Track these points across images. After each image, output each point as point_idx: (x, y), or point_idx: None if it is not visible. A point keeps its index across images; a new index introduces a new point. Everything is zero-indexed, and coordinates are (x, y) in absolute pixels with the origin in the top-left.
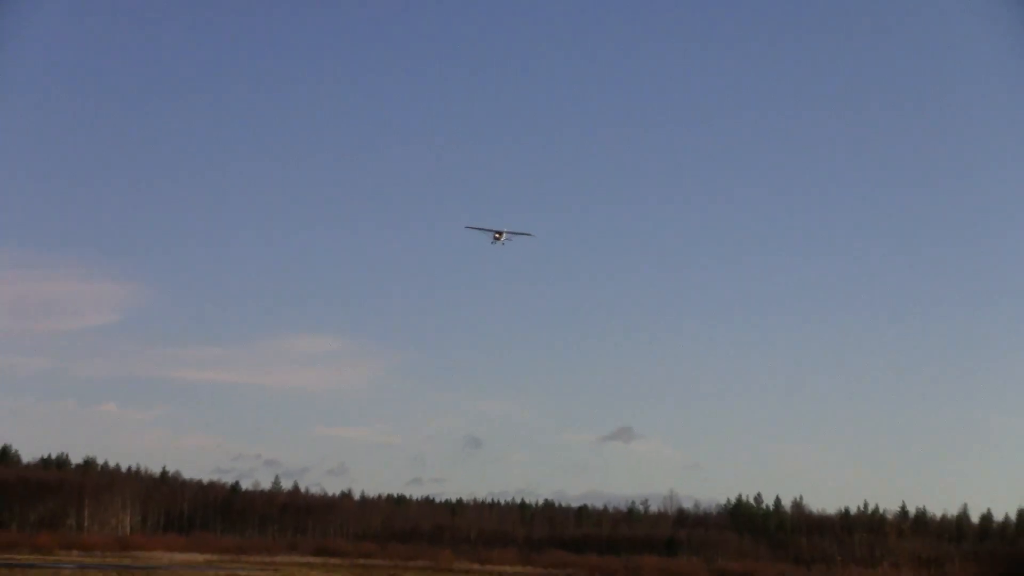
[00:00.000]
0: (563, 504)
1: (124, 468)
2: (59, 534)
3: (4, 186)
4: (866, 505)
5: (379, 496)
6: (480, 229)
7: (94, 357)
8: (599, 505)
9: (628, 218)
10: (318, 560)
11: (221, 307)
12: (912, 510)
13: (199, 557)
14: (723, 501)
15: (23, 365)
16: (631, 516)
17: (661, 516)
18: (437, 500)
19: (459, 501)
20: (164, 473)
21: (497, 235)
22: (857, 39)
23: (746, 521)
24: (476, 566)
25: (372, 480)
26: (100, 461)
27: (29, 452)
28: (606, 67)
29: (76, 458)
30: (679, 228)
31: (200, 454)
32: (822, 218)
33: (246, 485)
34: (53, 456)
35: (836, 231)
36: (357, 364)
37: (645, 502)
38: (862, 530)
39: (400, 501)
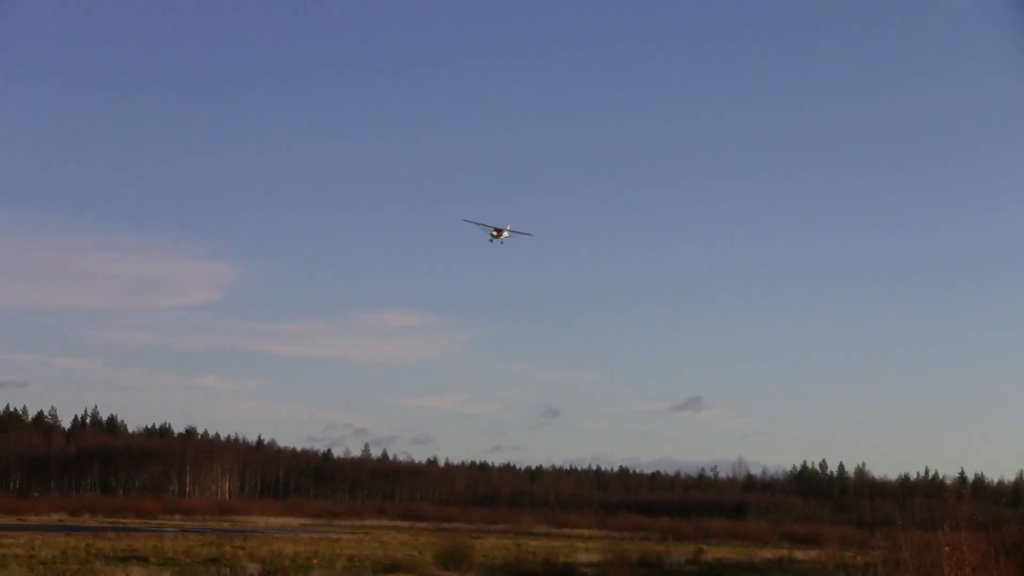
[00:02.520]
0: (636, 470)
1: (223, 437)
2: (162, 499)
3: (117, 172)
4: (926, 471)
5: (462, 463)
6: (478, 224)
7: (195, 332)
8: (671, 471)
9: (692, 189)
10: (405, 524)
11: (314, 285)
12: (970, 475)
13: (293, 521)
14: (789, 467)
15: (129, 340)
16: (701, 482)
17: (730, 482)
18: (517, 467)
19: (538, 467)
20: (260, 441)
21: (496, 232)
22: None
23: (811, 486)
24: (554, 529)
25: (455, 448)
26: (200, 430)
27: (134, 422)
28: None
29: (178, 427)
30: (742, 199)
31: (294, 423)
32: (876, 188)
33: (337, 453)
34: (156, 426)
35: (891, 202)
36: (441, 338)
37: (715, 468)
38: (922, 495)
39: (482, 468)
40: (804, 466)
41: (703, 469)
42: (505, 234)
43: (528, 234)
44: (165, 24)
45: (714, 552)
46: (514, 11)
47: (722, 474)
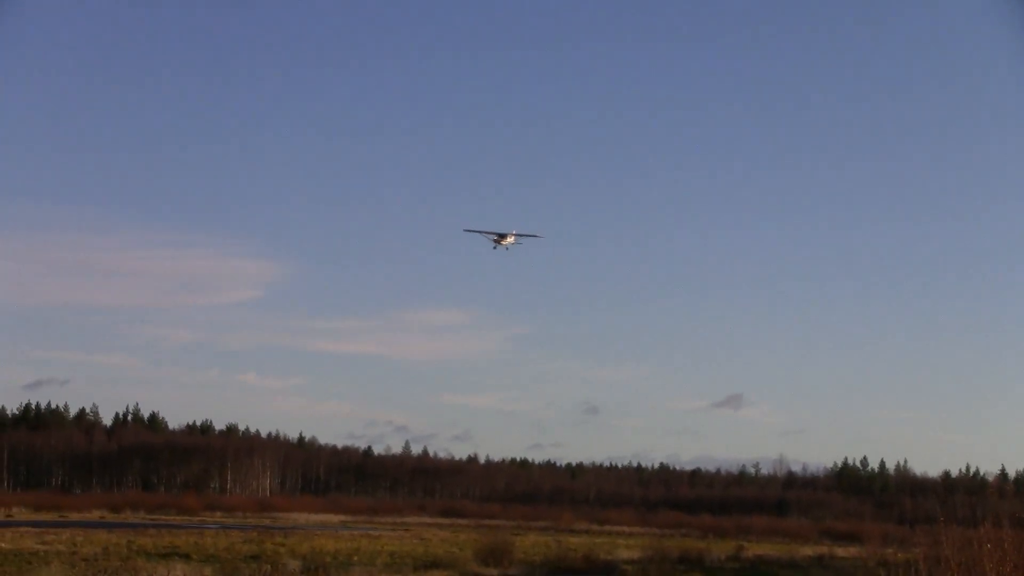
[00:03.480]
0: (677, 467)
1: (264, 434)
2: (203, 496)
3: (160, 170)
4: (968, 467)
5: (502, 460)
6: (479, 232)
7: (236, 330)
8: (711, 468)
9: (731, 182)
10: (446, 521)
11: (356, 283)
12: (1012, 472)
13: (334, 518)
14: (830, 464)
15: (171, 337)
16: (742, 479)
17: (771, 479)
18: (557, 464)
19: (578, 465)
20: (301, 438)
21: (498, 239)
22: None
23: (852, 483)
24: (595, 526)
25: (496, 445)
26: (241, 427)
27: (175, 419)
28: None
29: (219, 424)
30: (783, 193)
31: (335, 421)
32: (916, 182)
33: (378, 450)
34: (198, 423)
35: (932, 196)
36: (482, 335)
37: (755, 465)
38: (963, 492)
39: (522, 465)
40: (845, 463)
41: (744, 466)
42: (510, 240)
43: (535, 236)
44: (207, 16)
45: (755, 549)
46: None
47: (763, 471)
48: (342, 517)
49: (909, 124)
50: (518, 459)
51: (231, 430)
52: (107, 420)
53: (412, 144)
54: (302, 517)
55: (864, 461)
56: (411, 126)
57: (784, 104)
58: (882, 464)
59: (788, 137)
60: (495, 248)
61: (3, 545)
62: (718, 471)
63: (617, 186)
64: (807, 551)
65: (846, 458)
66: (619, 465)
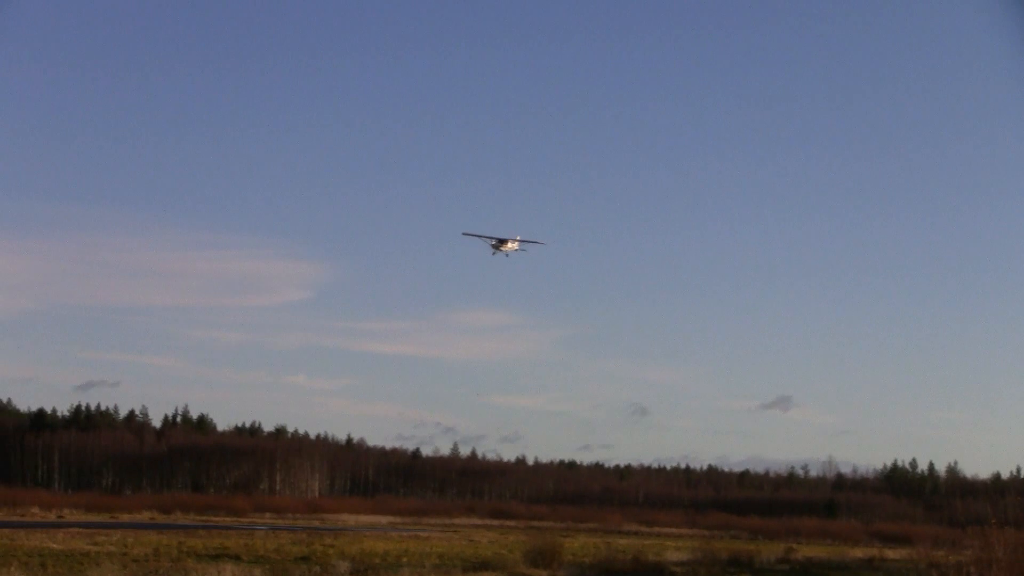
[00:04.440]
0: (726, 469)
1: (313, 435)
2: (253, 497)
3: (209, 171)
4: (1019, 469)
5: (551, 461)
6: (478, 236)
7: (286, 331)
8: (760, 470)
9: (777, 185)
10: (494, 522)
11: (403, 285)
12: None
13: (383, 519)
14: (879, 466)
15: (221, 339)
16: (791, 480)
17: (820, 480)
18: (606, 465)
19: (627, 466)
20: (350, 440)
21: (498, 244)
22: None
23: (902, 485)
24: (643, 527)
25: (544, 446)
26: (290, 429)
27: (224, 420)
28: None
29: (268, 426)
30: (828, 193)
31: (383, 422)
32: (967, 179)
33: (426, 451)
34: (246, 424)
35: (980, 195)
36: (530, 337)
37: (805, 467)
38: (1014, 493)
39: (571, 466)
40: (895, 464)
41: (793, 467)
42: (511, 245)
43: (538, 243)
44: (259, 20)
45: (804, 551)
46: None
47: (812, 473)
48: (390, 518)
49: (952, 116)
50: (566, 460)
51: (280, 431)
52: (157, 421)
53: (461, 147)
54: (351, 518)
55: (914, 463)
56: (462, 129)
57: (827, 97)
58: (932, 466)
59: (845, 131)
60: (494, 254)
61: (54, 546)
62: (767, 472)
63: (662, 184)
64: (857, 553)
65: (896, 459)
66: (668, 466)
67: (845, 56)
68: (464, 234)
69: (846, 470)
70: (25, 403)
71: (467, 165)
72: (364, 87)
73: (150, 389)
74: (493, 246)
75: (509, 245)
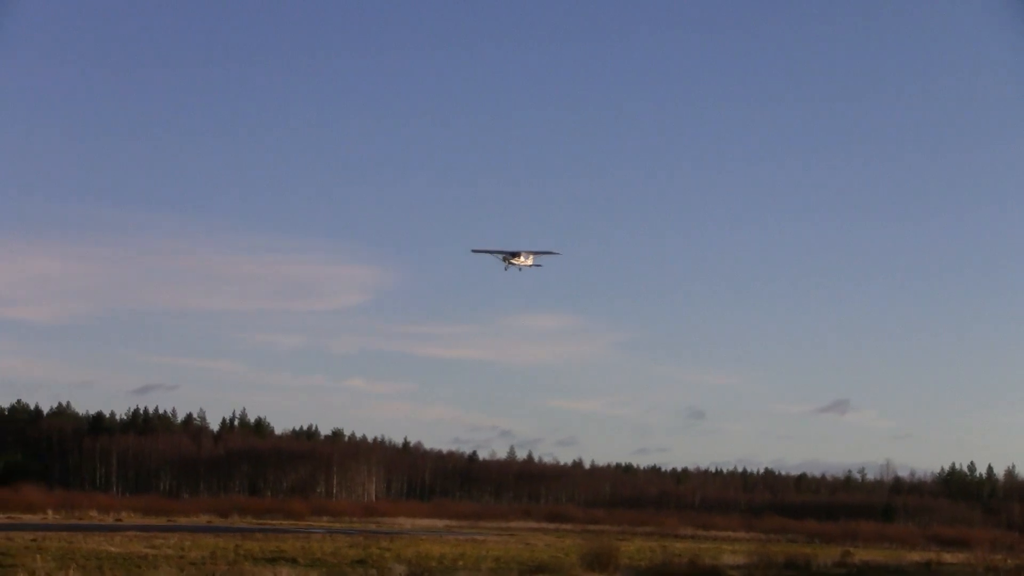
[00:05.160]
0: (783, 472)
1: (370, 439)
2: (310, 501)
3: (266, 177)
4: None
5: (607, 465)
6: (488, 252)
7: (344, 335)
8: (817, 473)
9: (834, 188)
10: (550, 525)
11: (462, 289)
12: None
13: (439, 523)
14: (937, 469)
15: (279, 343)
16: (848, 484)
17: (877, 484)
18: (662, 469)
19: (683, 469)
20: (406, 443)
21: (510, 259)
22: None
23: (960, 488)
24: (700, 531)
25: (600, 450)
26: (347, 432)
27: (282, 424)
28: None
29: (325, 429)
30: (887, 194)
31: (440, 426)
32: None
33: (483, 455)
34: (304, 428)
35: None
36: (587, 341)
37: (862, 470)
38: None
39: (627, 469)
40: (953, 468)
41: (850, 471)
42: (524, 260)
43: (552, 253)
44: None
45: (861, 555)
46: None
47: (869, 476)
48: (447, 522)
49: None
50: (623, 464)
51: (337, 435)
52: (214, 425)
53: (521, 150)
54: (407, 522)
55: (972, 466)
56: (522, 132)
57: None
58: (990, 469)
59: (906, 128)
60: (506, 268)
61: (112, 549)
62: (824, 476)
63: (720, 186)
64: (914, 557)
65: (953, 463)
66: (724, 470)
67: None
68: (473, 251)
69: (903, 474)
70: (84, 406)
71: (528, 168)
72: (421, 90)
73: (208, 393)
74: (505, 260)
75: (521, 259)
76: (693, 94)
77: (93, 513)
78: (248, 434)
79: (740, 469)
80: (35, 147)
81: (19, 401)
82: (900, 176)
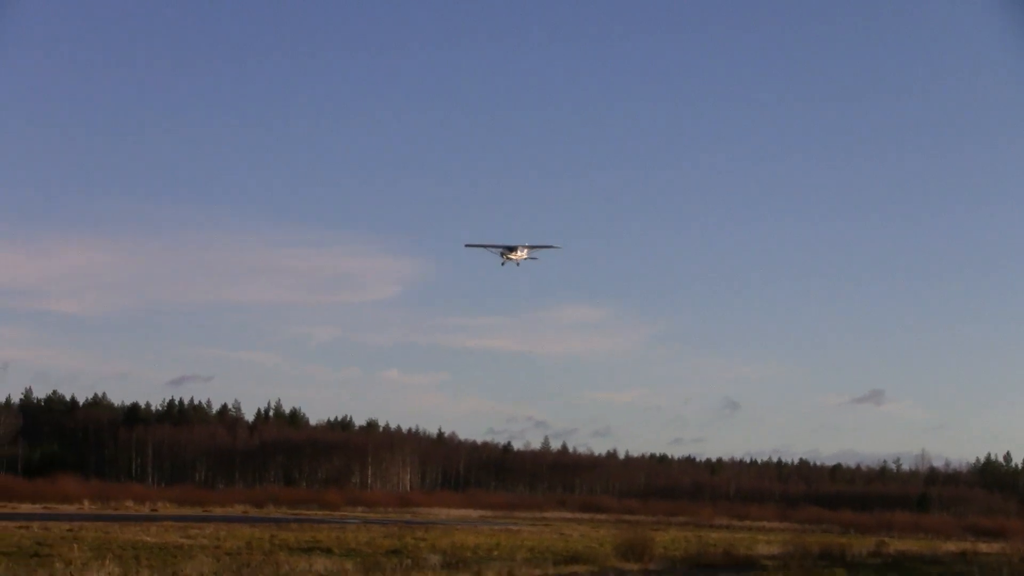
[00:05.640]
0: (817, 463)
1: (404, 430)
2: (345, 491)
3: (299, 170)
4: None
5: (642, 455)
6: (483, 247)
7: (378, 327)
8: (852, 464)
9: (865, 180)
10: (585, 515)
11: (496, 280)
12: None
13: (474, 513)
14: (973, 460)
15: (314, 335)
16: (883, 474)
17: (912, 474)
18: (697, 459)
19: (718, 460)
20: (441, 434)
21: (507, 253)
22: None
23: (995, 479)
24: (735, 521)
25: (635, 440)
26: (382, 423)
27: (316, 415)
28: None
29: (359, 420)
30: (916, 188)
31: (475, 417)
32: None
33: (517, 445)
34: (338, 418)
35: None
36: (623, 331)
37: (897, 461)
38: None
39: (662, 460)
40: (988, 458)
41: (885, 461)
42: (521, 254)
43: (551, 247)
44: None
45: (896, 545)
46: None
47: (904, 467)
48: (482, 512)
49: None
50: (657, 454)
51: (372, 426)
52: (249, 416)
53: (550, 143)
54: (442, 512)
55: (1008, 456)
56: (555, 123)
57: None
58: None
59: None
60: (503, 263)
61: (148, 539)
62: (859, 467)
63: (752, 177)
64: (950, 547)
65: (989, 453)
66: (759, 460)
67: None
68: (467, 246)
69: (939, 464)
70: (119, 398)
71: (562, 160)
72: (457, 80)
73: (243, 384)
74: (502, 255)
75: (518, 253)
76: (716, 82)
77: (129, 503)
78: (283, 425)
79: (775, 459)
80: (70, 141)
81: (55, 392)
82: (938, 165)
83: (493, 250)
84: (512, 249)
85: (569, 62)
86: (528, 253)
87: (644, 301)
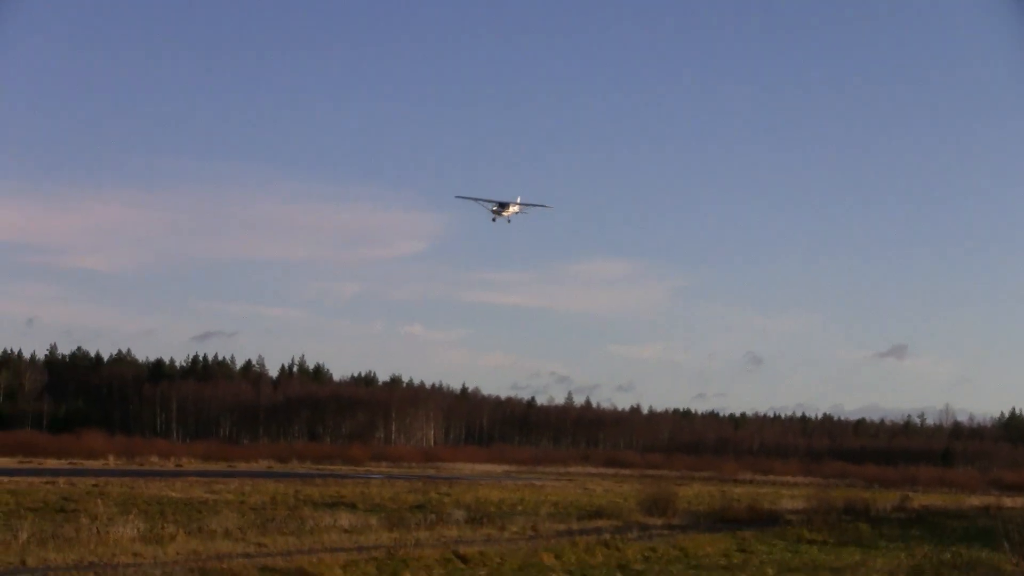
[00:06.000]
0: (841, 417)
1: (428, 385)
2: (369, 446)
3: (324, 125)
4: None
5: (666, 410)
6: (475, 200)
7: (402, 283)
8: (876, 418)
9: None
10: (609, 470)
11: (519, 236)
12: None
13: (498, 468)
14: (997, 414)
15: (338, 290)
16: (907, 429)
17: (936, 429)
18: (720, 414)
19: (742, 415)
20: (465, 389)
21: (499, 209)
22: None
23: (1019, 433)
24: (759, 476)
25: (658, 395)
26: (406, 379)
27: (340, 370)
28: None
29: (383, 376)
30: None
31: (498, 372)
32: None
33: (541, 400)
34: (362, 374)
35: None
36: (645, 287)
37: (921, 415)
38: None
39: (686, 415)
40: (1013, 412)
41: (909, 416)
42: (513, 209)
43: (543, 206)
44: None
45: (920, 499)
46: None
47: (928, 421)
48: (506, 467)
49: None
50: (681, 409)
51: (395, 381)
52: (273, 372)
53: (574, 98)
54: (466, 467)
55: None
56: (583, 78)
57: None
58: None
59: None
60: (495, 220)
61: (173, 495)
62: (883, 421)
63: (773, 133)
64: (974, 501)
65: (1013, 408)
66: (783, 415)
67: None
68: (457, 197)
69: (963, 418)
70: (144, 354)
71: (582, 114)
72: (483, 37)
73: (267, 340)
74: (493, 211)
75: (511, 209)
76: (748, 25)
77: (154, 459)
78: (307, 381)
79: (799, 414)
80: (94, 98)
81: (80, 348)
82: (967, 123)
83: (485, 204)
84: (504, 205)
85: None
86: (521, 209)
87: (667, 255)
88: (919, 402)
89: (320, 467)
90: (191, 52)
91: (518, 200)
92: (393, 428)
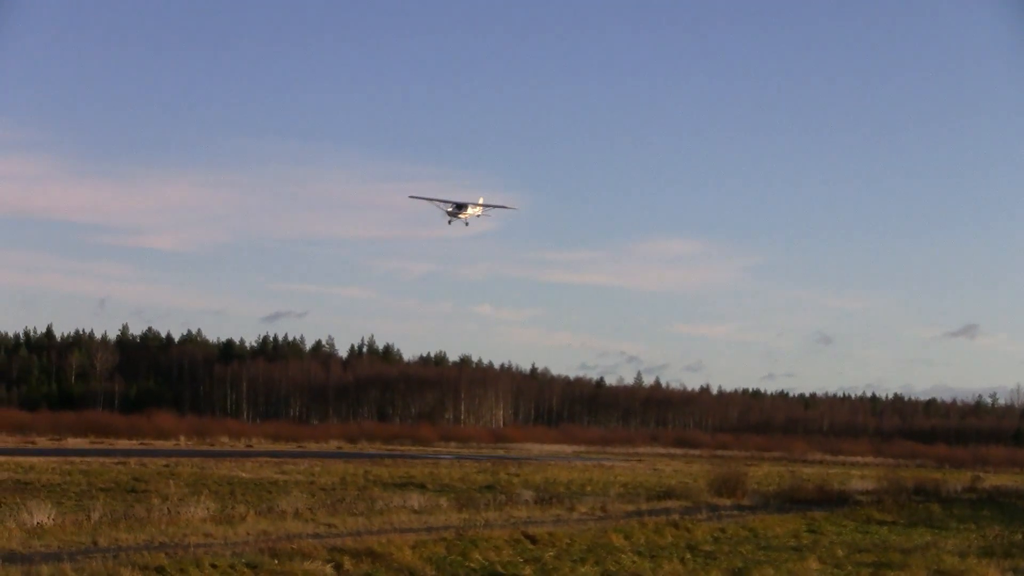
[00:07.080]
0: (912, 397)
1: (497, 365)
2: (437, 426)
3: (396, 104)
4: None
5: (735, 390)
6: (428, 200)
7: (472, 262)
8: (947, 398)
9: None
10: (678, 451)
11: (589, 214)
12: None
13: (567, 448)
14: None
15: (408, 270)
16: (979, 408)
17: (1008, 409)
18: (790, 394)
19: (811, 395)
20: (534, 369)
21: (455, 210)
22: None
23: None
24: (828, 456)
25: (728, 375)
26: (475, 359)
27: (410, 350)
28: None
29: (453, 356)
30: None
31: (567, 352)
32: None
33: (610, 381)
34: (432, 354)
35: None
36: (715, 266)
37: (993, 395)
38: None
39: (755, 395)
40: None
41: (980, 396)
42: (473, 211)
43: (506, 208)
44: None
45: (991, 480)
46: None
47: (1000, 401)
48: (575, 447)
49: None
50: (750, 389)
51: (465, 361)
52: (343, 352)
53: (647, 79)
54: (535, 447)
55: None
56: (648, 65)
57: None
58: None
59: None
60: (450, 222)
61: (243, 475)
62: (954, 401)
63: (849, 112)
64: None
65: None
66: (853, 395)
67: None
68: (411, 197)
69: None
70: (214, 334)
71: (654, 92)
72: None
73: (337, 320)
74: (449, 212)
75: (470, 211)
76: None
77: (224, 439)
78: (376, 361)
79: (869, 394)
80: (166, 77)
81: (151, 329)
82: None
83: (440, 205)
84: (462, 207)
85: None
86: (482, 211)
87: (738, 234)
88: (990, 382)
89: (389, 447)
90: (262, 32)
91: (480, 201)
92: (462, 408)
